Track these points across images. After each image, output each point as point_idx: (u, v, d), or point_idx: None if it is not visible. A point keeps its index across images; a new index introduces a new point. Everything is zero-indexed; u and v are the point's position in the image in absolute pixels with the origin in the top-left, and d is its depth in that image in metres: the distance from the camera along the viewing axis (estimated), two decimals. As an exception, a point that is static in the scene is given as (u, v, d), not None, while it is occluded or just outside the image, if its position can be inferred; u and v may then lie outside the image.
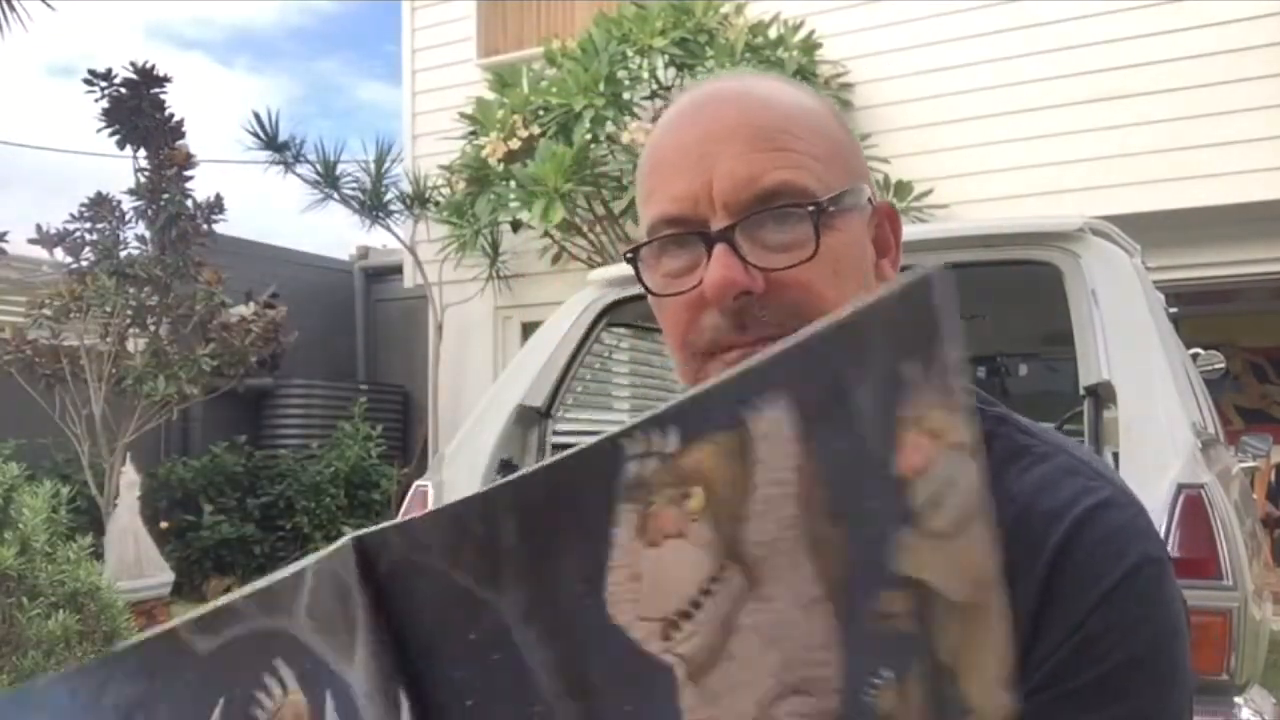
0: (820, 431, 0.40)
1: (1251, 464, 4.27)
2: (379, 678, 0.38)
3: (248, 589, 0.39)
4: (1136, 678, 0.62)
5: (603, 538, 0.38)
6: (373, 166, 7.59)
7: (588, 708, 0.38)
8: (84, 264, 6.84)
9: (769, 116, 0.68)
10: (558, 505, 0.38)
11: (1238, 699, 2.04)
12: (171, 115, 7.04)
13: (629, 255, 0.72)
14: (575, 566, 0.38)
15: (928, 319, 0.40)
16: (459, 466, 2.85)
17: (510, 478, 0.39)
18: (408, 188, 7.64)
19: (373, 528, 0.39)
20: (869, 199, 0.72)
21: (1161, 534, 1.71)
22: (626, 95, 6.37)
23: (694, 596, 0.39)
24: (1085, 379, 2.29)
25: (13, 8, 4.05)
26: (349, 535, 0.38)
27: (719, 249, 0.66)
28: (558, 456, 0.38)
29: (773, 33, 6.46)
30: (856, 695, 0.41)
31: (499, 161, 6.57)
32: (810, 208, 0.66)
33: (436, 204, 7.44)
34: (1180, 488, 1.98)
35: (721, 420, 0.39)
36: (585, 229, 6.76)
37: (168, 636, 0.36)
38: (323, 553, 0.39)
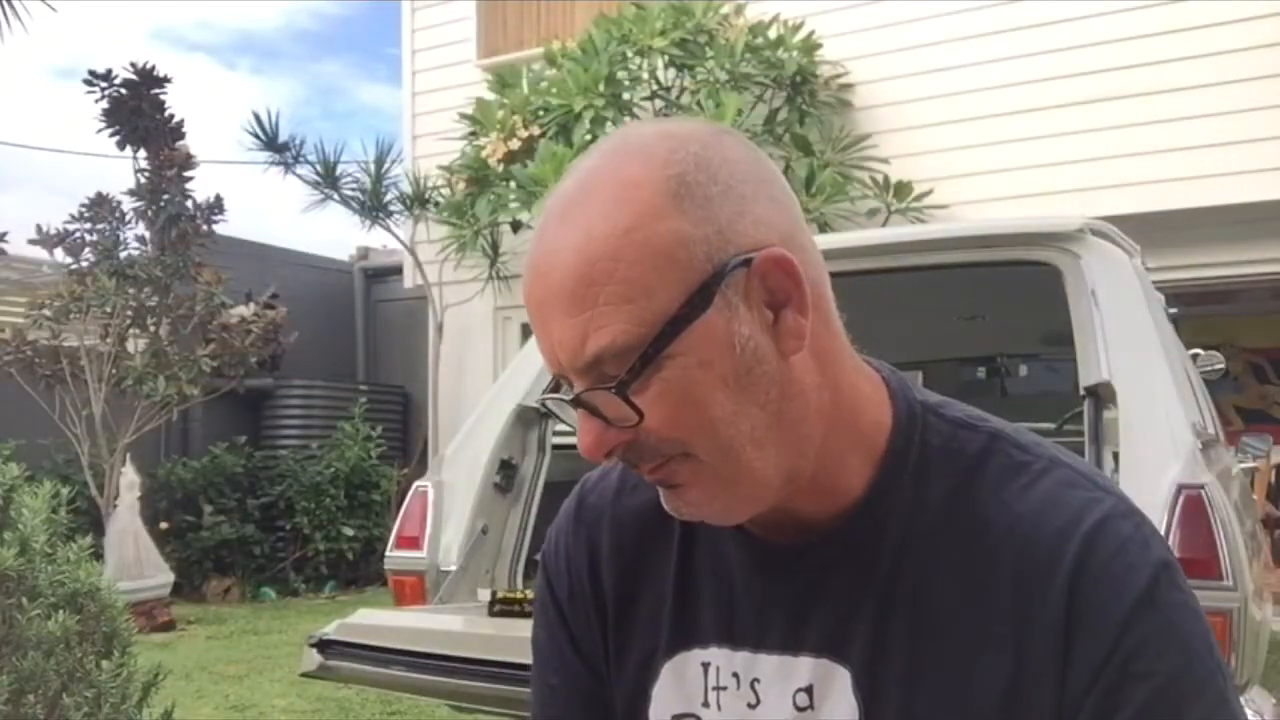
0: None
1: (1251, 464, 4.27)
2: None
3: None
4: (1187, 681, 0.63)
5: None
6: (373, 167, 7.59)
7: None
8: (84, 264, 6.84)
9: (579, 268, 0.63)
10: None
11: (1238, 699, 2.03)
12: (172, 116, 7.04)
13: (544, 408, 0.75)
14: None
15: None
16: (459, 467, 2.85)
17: None
18: (408, 188, 7.64)
19: None
20: (741, 262, 0.63)
21: (1162, 534, 1.70)
22: (626, 96, 6.37)
23: None
24: (1085, 379, 2.29)
25: (13, 8, 4.05)
26: None
27: (579, 414, 0.66)
28: None
29: (772, 33, 6.46)
30: None
31: (499, 162, 6.57)
32: (618, 382, 0.63)
33: (436, 204, 7.44)
34: (1180, 488, 1.98)
35: None
36: (585, 229, 6.74)
37: None
38: None
